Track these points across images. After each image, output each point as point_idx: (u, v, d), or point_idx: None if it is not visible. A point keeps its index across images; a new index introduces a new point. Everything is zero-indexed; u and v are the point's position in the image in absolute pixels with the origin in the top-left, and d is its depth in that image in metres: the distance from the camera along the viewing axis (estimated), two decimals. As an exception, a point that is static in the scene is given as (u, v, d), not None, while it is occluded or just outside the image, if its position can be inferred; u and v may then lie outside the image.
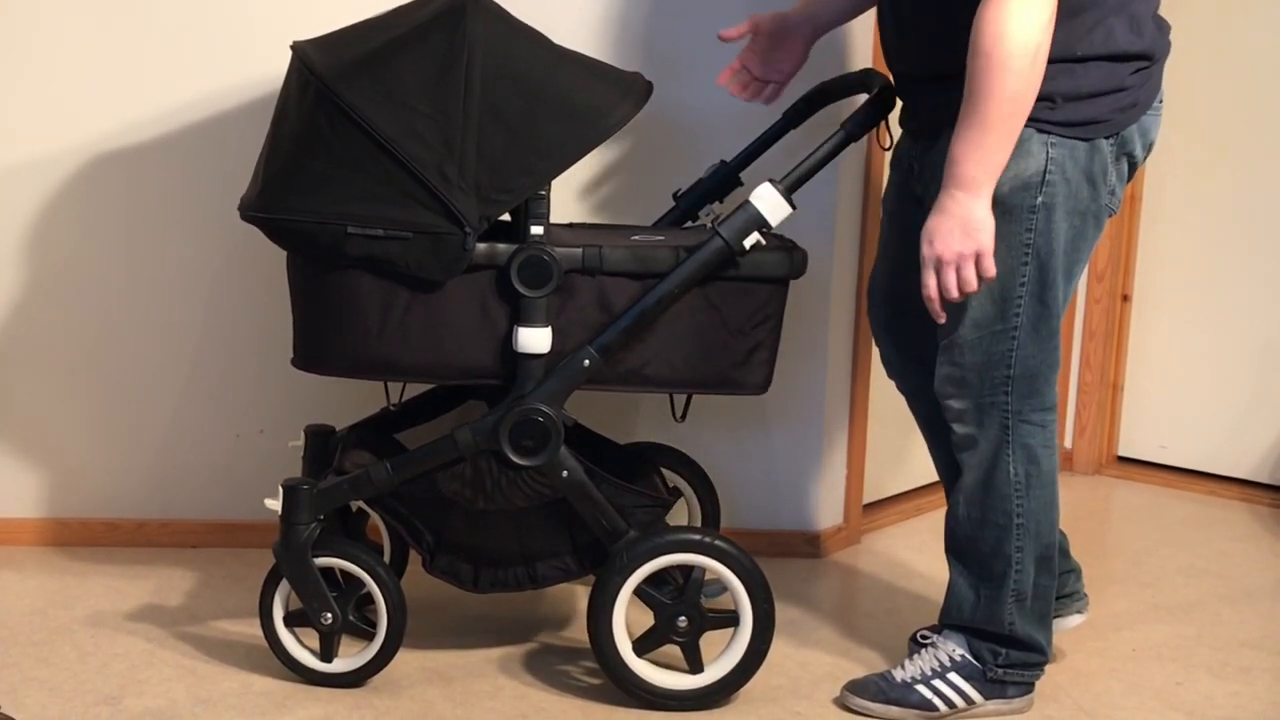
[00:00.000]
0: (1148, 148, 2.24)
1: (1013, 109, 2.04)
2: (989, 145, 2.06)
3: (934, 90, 2.21)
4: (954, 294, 2.12)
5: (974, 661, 2.35)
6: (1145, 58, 2.17)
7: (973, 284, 2.11)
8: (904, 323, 2.46)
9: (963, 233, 2.09)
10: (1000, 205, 2.14)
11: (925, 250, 2.12)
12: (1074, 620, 2.53)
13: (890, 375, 2.57)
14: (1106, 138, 2.17)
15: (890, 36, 2.32)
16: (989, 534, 2.31)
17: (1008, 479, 2.28)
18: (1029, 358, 2.23)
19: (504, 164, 2.20)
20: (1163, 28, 2.23)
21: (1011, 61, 2.01)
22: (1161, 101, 2.24)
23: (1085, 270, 2.39)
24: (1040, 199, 2.15)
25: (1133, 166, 2.24)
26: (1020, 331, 2.22)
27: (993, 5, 2.01)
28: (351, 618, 2.37)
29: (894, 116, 2.39)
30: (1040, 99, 2.10)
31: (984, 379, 2.25)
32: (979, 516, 2.32)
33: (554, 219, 2.32)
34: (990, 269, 2.11)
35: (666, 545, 2.32)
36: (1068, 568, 2.50)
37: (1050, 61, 2.08)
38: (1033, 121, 2.12)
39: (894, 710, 2.35)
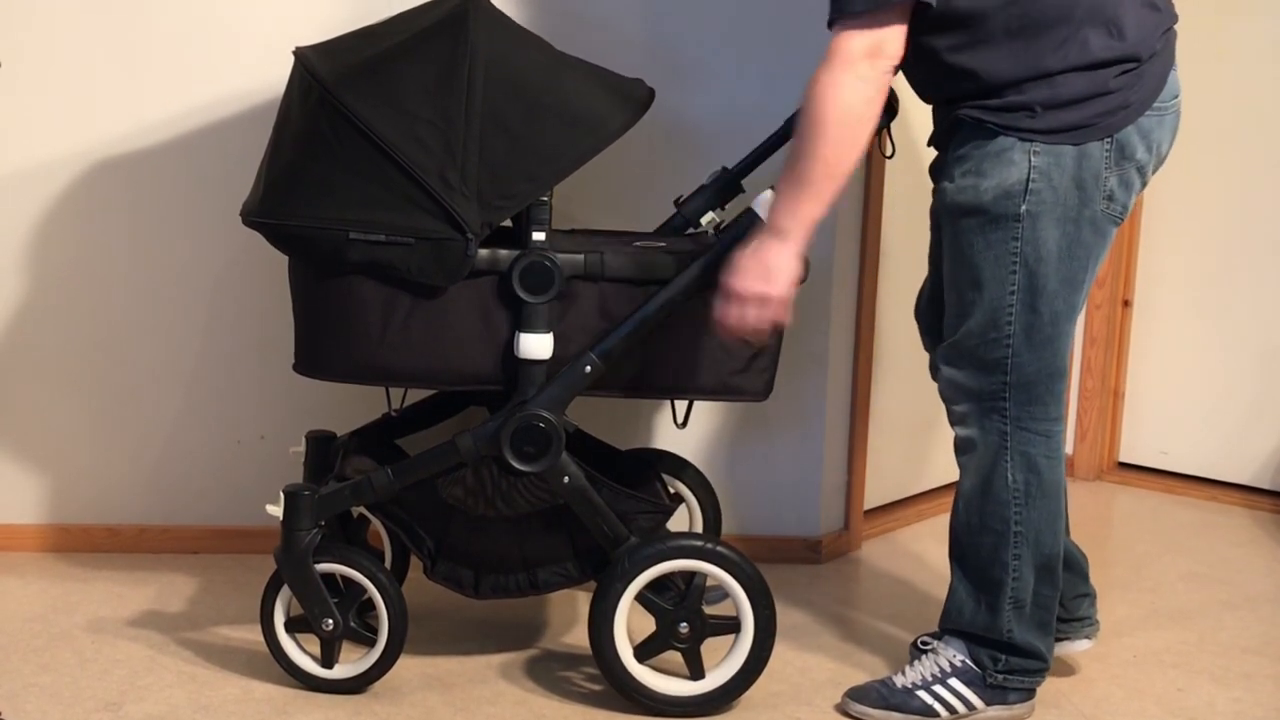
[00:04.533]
0: (1153, 149, 2.21)
1: (826, 171, 2.10)
2: (802, 199, 2.12)
3: (940, 107, 2.27)
4: (744, 329, 2.18)
5: (974, 667, 2.35)
6: (1129, 59, 2.16)
7: (761, 326, 2.18)
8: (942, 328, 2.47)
9: (764, 275, 2.15)
10: (985, 214, 2.16)
11: (727, 281, 2.18)
12: (1082, 645, 2.51)
13: (933, 377, 2.56)
14: (1099, 141, 2.16)
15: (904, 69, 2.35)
16: (986, 541, 2.31)
17: (1005, 485, 2.28)
18: (1025, 365, 2.23)
19: (506, 170, 2.20)
20: (1159, 21, 2.20)
21: (829, 129, 2.08)
22: (1175, 98, 2.22)
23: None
24: (1025, 207, 2.16)
25: (1140, 170, 2.22)
26: (1014, 339, 2.22)
27: (824, 74, 2.08)
28: (353, 624, 2.37)
29: (903, 127, 2.39)
30: (1019, 109, 2.13)
31: (982, 385, 2.26)
32: (977, 523, 2.32)
33: (556, 225, 2.33)
34: (779, 317, 2.17)
35: (668, 551, 2.32)
36: (1084, 592, 2.49)
37: (1024, 80, 2.13)
38: (1014, 130, 2.14)
39: (895, 716, 2.35)
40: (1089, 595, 2.51)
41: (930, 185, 2.33)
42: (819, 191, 2.12)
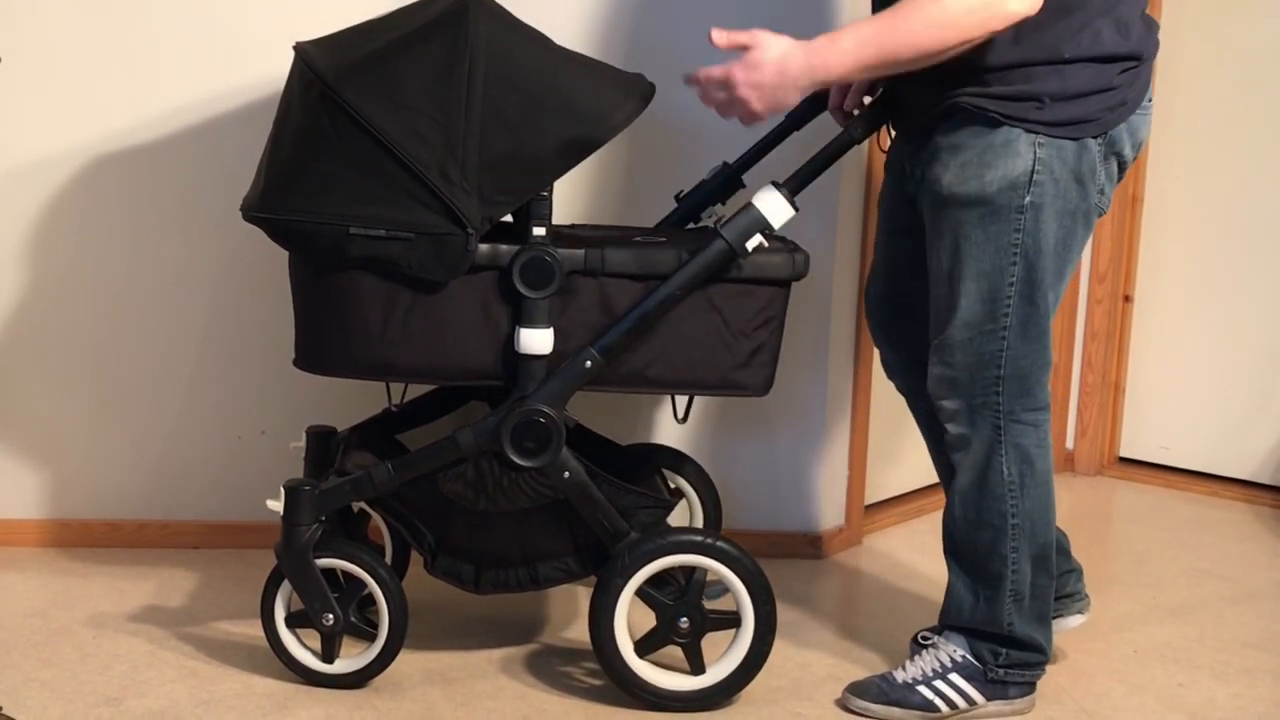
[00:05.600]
0: (1137, 147, 2.25)
1: (909, 40, 2.07)
2: (867, 42, 2.10)
3: (924, 91, 2.21)
4: (711, 103, 2.19)
5: (975, 662, 2.35)
6: (1133, 58, 2.17)
7: (730, 109, 2.18)
8: (900, 323, 2.47)
9: (775, 82, 2.14)
10: (988, 205, 2.15)
11: (736, 69, 2.15)
12: (1075, 620, 2.53)
13: (889, 375, 2.58)
14: (1095, 137, 2.17)
15: None
16: (984, 535, 2.31)
17: (1001, 479, 2.28)
18: (1019, 358, 2.23)
19: (506, 165, 2.20)
20: (1151, 27, 2.23)
21: (936, 13, 2.05)
22: (1150, 100, 2.25)
23: (1081, 270, 2.40)
24: (1028, 199, 2.16)
25: (1122, 166, 2.25)
26: (1010, 331, 2.22)
27: None
28: (353, 619, 2.37)
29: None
30: (1028, 99, 2.12)
31: (975, 379, 2.26)
32: (974, 518, 2.32)
33: (556, 220, 2.33)
34: (751, 117, 2.17)
35: (668, 546, 2.32)
36: (1068, 568, 2.50)
37: (1037, 64, 2.11)
38: (1020, 121, 2.13)
39: (896, 711, 2.35)
40: (1075, 570, 2.52)
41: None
42: (886, 48, 2.08)
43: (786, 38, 2.16)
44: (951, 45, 2.07)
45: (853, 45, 2.11)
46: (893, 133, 2.39)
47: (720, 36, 2.18)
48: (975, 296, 2.21)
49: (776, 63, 2.14)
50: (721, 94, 2.18)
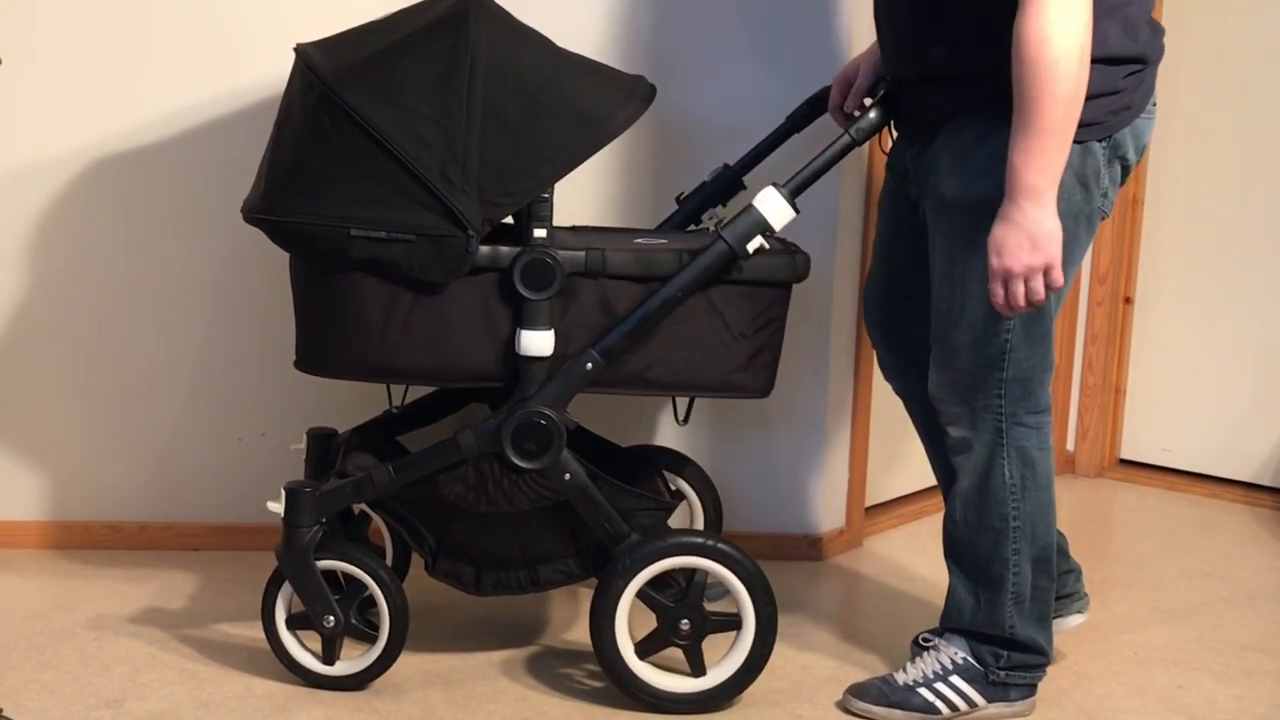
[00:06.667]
0: (1140, 151, 2.24)
1: (1067, 112, 2.02)
2: (1049, 151, 2.04)
3: (928, 93, 2.21)
4: (1022, 306, 2.11)
5: (976, 664, 2.35)
6: (1139, 61, 2.17)
7: (1041, 296, 2.09)
8: (898, 325, 2.47)
9: (1031, 246, 2.06)
10: (991, 209, 2.15)
11: (994, 262, 2.09)
12: (1075, 620, 2.53)
13: (886, 377, 2.58)
14: (1099, 140, 2.17)
15: (886, 40, 2.32)
16: (986, 538, 2.31)
17: (1003, 482, 2.28)
18: (1022, 360, 2.23)
19: (507, 167, 2.20)
20: (1156, 31, 2.23)
21: (1059, 66, 1.99)
22: (1154, 105, 2.24)
23: (1082, 272, 2.40)
24: None
25: (1126, 170, 2.24)
26: (1013, 334, 2.22)
27: (1033, 12, 1.99)
28: (354, 620, 2.37)
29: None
30: None
31: (977, 382, 2.25)
32: (975, 521, 2.32)
33: (557, 222, 2.33)
34: (1059, 281, 2.08)
35: (669, 548, 2.31)
36: (1067, 568, 2.50)
37: None
38: None
39: (896, 713, 2.35)
40: (1074, 571, 2.52)
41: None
42: (1064, 136, 2.04)
43: (996, 229, 2.09)
44: (1083, 89, 2.04)
45: (1039, 165, 2.04)
46: (894, 134, 2.39)
47: (998, 297, 2.11)
48: (979, 299, 2.21)
49: (1008, 232, 2.08)
50: (1023, 287, 2.10)
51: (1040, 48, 2.00)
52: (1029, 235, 2.06)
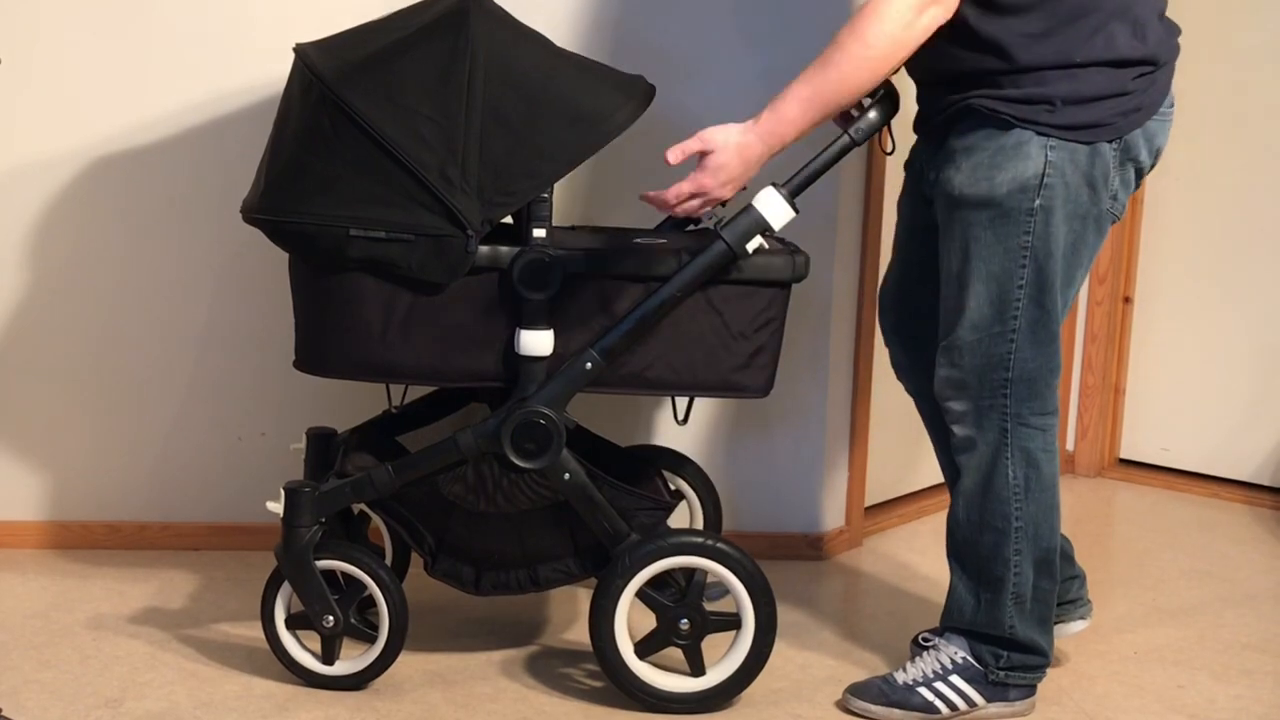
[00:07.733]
0: (1155, 154, 2.24)
1: (838, 85, 2.14)
2: (804, 106, 2.16)
3: (941, 94, 2.23)
4: (684, 211, 2.26)
5: (975, 664, 2.35)
6: (1149, 62, 2.17)
7: (691, 210, 2.26)
8: (913, 325, 2.46)
9: (728, 177, 2.22)
10: (998, 207, 2.15)
11: (702, 167, 2.21)
12: (1077, 626, 2.53)
13: (899, 377, 2.57)
14: (1109, 142, 2.17)
15: None
16: (988, 538, 2.31)
17: (1006, 482, 2.28)
18: (1027, 361, 2.23)
19: (506, 167, 2.20)
20: (1171, 30, 2.23)
21: (862, 48, 2.11)
22: (1172, 106, 2.24)
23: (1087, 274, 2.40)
24: (1038, 201, 2.15)
25: (1139, 173, 2.23)
26: (1018, 334, 2.22)
27: (870, 9, 2.10)
28: (353, 620, 2.37)
29: (896, 121, 2.38)
30: (1039, 102, 2.12)
31: (983, 381, 2.25)
32: (978, 520, 2.32)
33: (556, 222, 2.32)
34: (705, 206, 2.26)
35: (668, 548, 2.31)
36: (1072, 574, 2.50)
37: (1049, 68, 2.10)
38: (1032, 124, 2.13)
39: (896, 713, 2.35)
40: (1078, 576, 2.52)
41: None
42: (829, 99, 2.15)
43: (730, 126, 2.21)
44: (884, 73, 2.15)
45: (798, 111, 2.17)
46: (894, 134, 2.39)
47: (674, 155, 2.23)
48: (984, 298, 2.21)
49: (736, 155, 2.20)
50: (694, 201, 2.24)
51: (864, 19, 2.11)
52: (744, 163, 2.21)
